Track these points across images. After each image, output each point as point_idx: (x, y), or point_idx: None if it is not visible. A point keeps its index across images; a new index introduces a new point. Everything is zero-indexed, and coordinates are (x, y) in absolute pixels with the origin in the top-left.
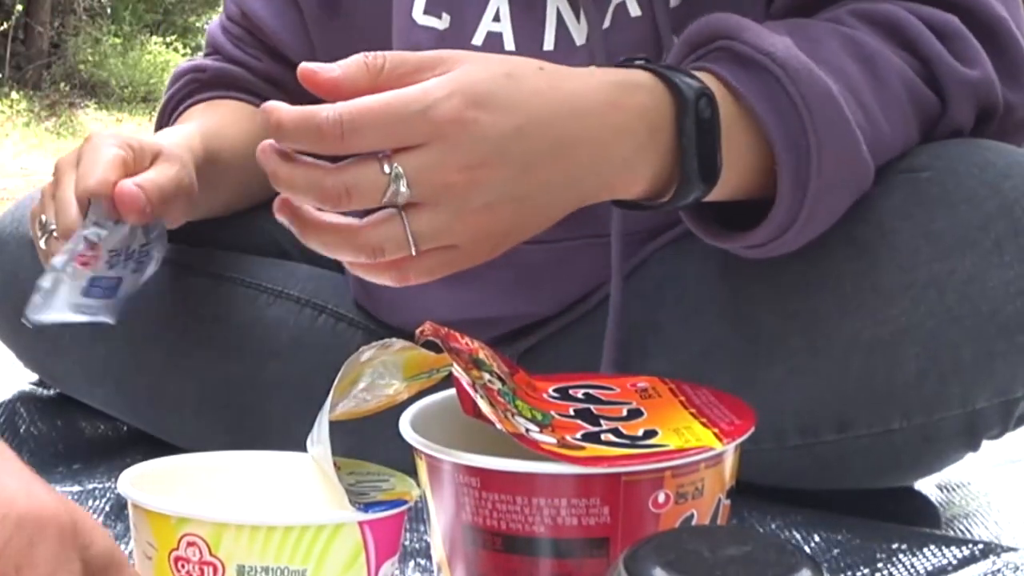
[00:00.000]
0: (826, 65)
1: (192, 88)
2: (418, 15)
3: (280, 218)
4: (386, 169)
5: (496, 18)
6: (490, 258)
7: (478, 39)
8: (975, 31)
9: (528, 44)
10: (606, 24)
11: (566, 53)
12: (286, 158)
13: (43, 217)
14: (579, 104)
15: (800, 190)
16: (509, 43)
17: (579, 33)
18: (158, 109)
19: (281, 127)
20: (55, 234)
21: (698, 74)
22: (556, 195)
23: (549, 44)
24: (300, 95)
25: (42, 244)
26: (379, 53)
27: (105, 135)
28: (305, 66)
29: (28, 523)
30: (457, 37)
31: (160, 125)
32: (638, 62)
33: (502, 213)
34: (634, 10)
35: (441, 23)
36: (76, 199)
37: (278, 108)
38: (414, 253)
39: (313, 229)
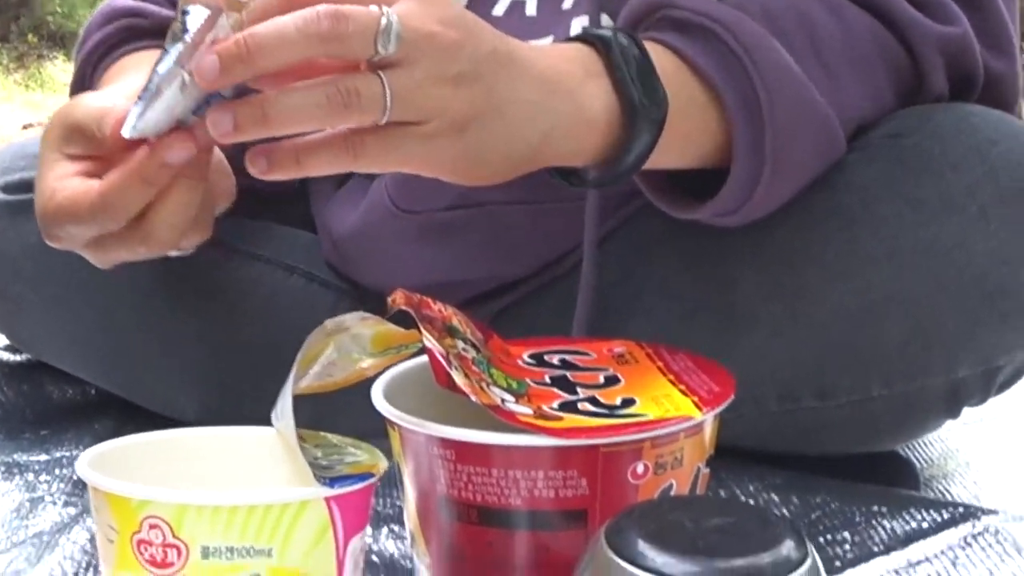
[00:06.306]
0: (794, 9)
1: (126, 35)
2: None
3: None
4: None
5: None
6: (450, 155)
7: (499, 10)
8: None
9: (550, 5)
10: None
11: (584, 7)
12: None
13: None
14: (515, 44)
15: (757, 136)
16: (531, 8)
17: None
18: (77, 53)
19: None
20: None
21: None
22: (522, 105)
23: (568, 3)
24: None
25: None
26: None
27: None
28: None
29: None
30: (477, 10)
31: (83, 73)
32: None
33: (470, 91)
34: None
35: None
36: None
37: None
38: (386, 116)
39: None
